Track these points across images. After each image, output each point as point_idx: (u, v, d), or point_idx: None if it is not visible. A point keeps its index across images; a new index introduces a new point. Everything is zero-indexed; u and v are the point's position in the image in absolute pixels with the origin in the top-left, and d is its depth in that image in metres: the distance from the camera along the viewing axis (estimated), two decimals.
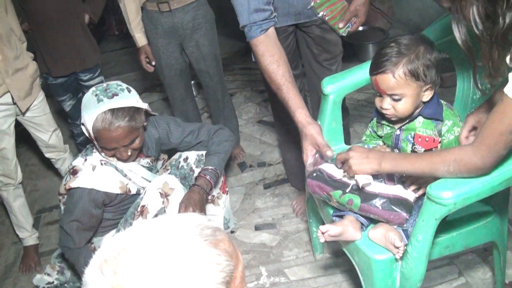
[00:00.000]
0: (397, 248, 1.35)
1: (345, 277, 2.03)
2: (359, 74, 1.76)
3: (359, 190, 1.39)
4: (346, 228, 1.42)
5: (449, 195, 1.21)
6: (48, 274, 2.35)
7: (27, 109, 2.28)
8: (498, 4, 0.96)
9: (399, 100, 1.40)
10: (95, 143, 1.78)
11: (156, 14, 2.38)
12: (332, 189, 1.44)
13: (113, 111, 1.71)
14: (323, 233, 1.41)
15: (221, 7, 4.00)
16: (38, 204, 2.88)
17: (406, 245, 1.37)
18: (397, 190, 1.38)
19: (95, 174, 1.81)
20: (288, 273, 2.10)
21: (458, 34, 1.08)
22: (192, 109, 2.77)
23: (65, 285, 2.29)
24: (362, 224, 1.47)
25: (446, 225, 1.42)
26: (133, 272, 0.65)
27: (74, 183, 1.79)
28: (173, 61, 2.52)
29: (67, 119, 2.92)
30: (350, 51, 3.56)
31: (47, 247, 2.58)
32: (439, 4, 1.10)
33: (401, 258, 1.37)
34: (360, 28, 3.35)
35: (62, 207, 1.99)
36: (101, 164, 1.83)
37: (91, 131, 1.72)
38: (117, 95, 1.75)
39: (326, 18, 1.93)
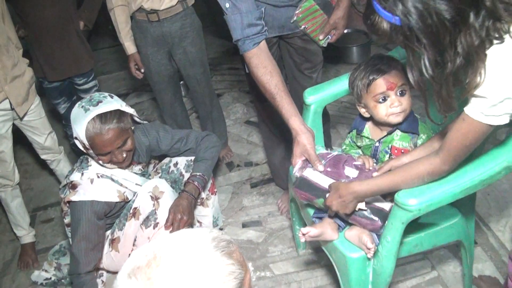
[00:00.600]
0: (369, 248, 1.50)
1: (325, 271, 2.18)
2: (339, 86, 1.88)
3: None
4: (325, 230, 1.57)
5: (414, 202, 1.35)
6: (46, 271, 2.47)
7: (25, 114, 2.38)
8: (446, 53, 1.07)
9: (404, 94, 1.55)
10: (91, 152, 1.86)
11: (145, 24, 2.49)
12: (315, 198, 1.58)
13: (100, 116, 1.80)
14: (304, 234, 1.55)
15: (210, 6, 4.10)
16: (33, 203, 2.98)
17: (377, 245, 1.52)
18: (375, 200, 1.51)
19: (94, 186, 1.90)
20: (273, 267, 2.24)
21: (411, 76, 1.16)
22: (181, 111, 2.89)
23: (62, 280, 2.41)
24: (339, 225, 1.61)
25: (415, 225, 1.57)
26: (165, 278, 0.76)
27: (75, 197, 1.87)
28: (162, 67, 2.63)
29: (61, 120, 3.02)
30: (335, 53, 3.70)
31: (43, 244, 2.69)
32: (398, 44, 1.21)
33: (373, 256, 1.52)
34: (345, 31, 3.49)
35: (66, 219, 2.07)
36: (98, 177, 1.92)
37: (85, 141, 1.80)
38: (101, 101, 1.84)
39: (308, 31, 2.05)
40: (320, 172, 1.60)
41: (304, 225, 2.19)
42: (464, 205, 1.67)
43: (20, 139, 2.66)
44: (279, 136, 2.45)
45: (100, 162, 1.91)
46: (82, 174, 1.93)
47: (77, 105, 1.89)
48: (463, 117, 1.19)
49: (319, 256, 2.25)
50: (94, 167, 1.94)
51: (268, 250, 2.34)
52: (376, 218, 1.47)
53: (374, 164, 1.60)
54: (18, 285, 2.48)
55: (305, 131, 1.66)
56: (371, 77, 1.58)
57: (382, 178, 1.42)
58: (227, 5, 1.70)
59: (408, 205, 1.35)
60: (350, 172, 1.58)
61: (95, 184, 1.91)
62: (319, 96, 1.89)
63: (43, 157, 2.65)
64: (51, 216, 2.89)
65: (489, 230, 2.21)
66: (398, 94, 1.57)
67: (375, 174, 1.51)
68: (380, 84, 1.56)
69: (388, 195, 1.53)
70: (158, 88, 2.71)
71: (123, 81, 4.18)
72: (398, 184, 1.38)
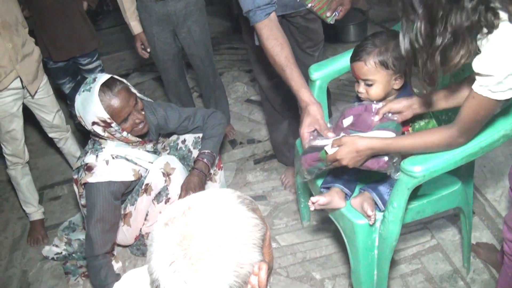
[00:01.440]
0: (369, 216, 1.58)
1: (329, 241, 2.27)
2: (342, 62, 1.93)
3: None
4: (333, 198, 1.65)
5: (419, 169, 1.44)
6: (56, 246, 2.54)
7: (35, 92, 2.42)
8: (437, 27, 1.14)
9: (371, 85, 1.63)
10: (112, 128, 1.88)
11: (150, 3, 2.52)
12: (318, 152, 1.59)
13: (104, 85, 1.85)
14: (313, 203, 1.62)
15: None
16: (40, 181, 3.03)
17: (383, 211, 1.60)
18: (378, 134, 1.54)
19: (110, 167, 1.94)
20: (279, 239, 2.33)
21: (403, 43, 1.23)
22: (185, 90, 2.94)
23: (73, 255, 2.47)
24: (346, 194, 1.69)
25: (418, 193, 1.65)
26: (200, 223, 0.84)
27: (92, 178, 1.92)
28: (167, 46, 2.67)
29: (65, 100, 3.06)
30: (332, 32, 3.73)
31: (51, 221, 2.75)
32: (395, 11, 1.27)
33: (380, 222, 1.60)
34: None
35: (82, 201, 2.12)
36: (113, 158, 1.97)
37: (104, 115, 1.83)
38: (96, 77, 1.89)
39: (314, 8, 2.10)
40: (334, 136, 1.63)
41: (310, 197, 2.28)
42: (464, 173, 1.76)
43: (25, 119, 2.70)
44: (282, 113, 2.52)
45: (124, 134, 1.92)
46: (97, 156, 1.97)
47: (77, 96, 1.91)
48: (473, 95, 1.28)
49: (323, 228, 2.34)
50: (108, 149, 1.98)
51: (274, 223, 2.42)
52: (380, 156, 1.51)
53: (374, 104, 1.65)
54: (29, 260, 2.55)
55: (315, 102, 1.70)
56: (350, 59, 1.68)
57: (402, 139, 1.48)
58: None
59: (414, 171, 1.43)
60: (346, 121, 1.64)
61: (111, 164, 1.96)
62: (323, 72, 1.95)
63: (50, 135, 2.69)
64: (58, 194, 2.95)
65: (485, 201, 2.30)
66: (364, 83, 1.65)
67: (376, 118, 1.59)
68: (351, 68, 1.68)
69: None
70: (163, 66, 2.75)
71: (122, 62, 4.21)
72: (415, 148, 1.45)
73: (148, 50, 2.67)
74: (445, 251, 2.13)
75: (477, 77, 1.24)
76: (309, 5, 2.09)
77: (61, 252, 2.50)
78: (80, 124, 2.94)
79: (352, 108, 1.69)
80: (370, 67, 1.59)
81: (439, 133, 1.43)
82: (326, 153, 1.54)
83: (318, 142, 1.62)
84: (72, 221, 2.65)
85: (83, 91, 1.88)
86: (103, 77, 1.88)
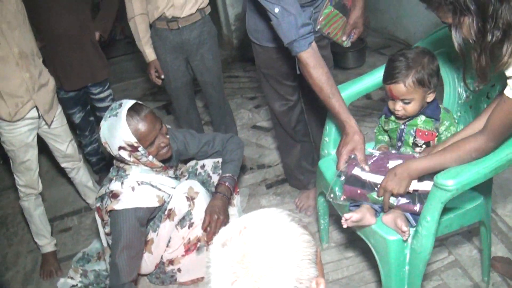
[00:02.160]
0: (403, 232, 1.63)
1: (350, 262, 2.30)
2: (361, 85, 2.03)
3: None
4: (364, 215, 1.69)
5: (452, 182, 1.50)
6: (72, 278, 2.51)
7: (51, 122, 2.44)
8: (487, 22, 1.24)
9: (409, 103, 1.71)
10: (139, 152, 1.91)
11: (165, 32, 2.58)
12: (368, 192, 1.68)
13: (131, 109, 1.89)
14: (346, 219, 1.66)
15: None
16: (49, 213, 2.96)
17: (414, 226, 1.65)
18: (423, 185, 1.62)
19: (136, 194, 1.96)
20: None
21: (456, 41, 1.34)
22: (195, 118, 2.99)
23: (90, 286, 2.45)
24: (375, 210, 1.74)
25: (445, 210, 1.71)
26: (258, 241, 0.86)
27: (118, 205, 1.93)
28: (180, 74, 2.73)
29: (75, 130, 3.07)
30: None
31: (63, 253, 2.73)
32: (441, 20, 1.37)
33: (412, 237, 1.65)
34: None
35: (101, 230, 2.13)
36: (138, 184, 1.99)
37: (132, 139, 1.86)
38: (121, 103, 1.93)
39: (331, 35, 2.19)
40: (367, 171, 1.71)
41: (329, 218, 2.32)
42: (484, 188, 1.82)
43: None
44: (295, 137, 2.58)
45: (150, 158, 1.95)
46: (122, 183, 1.98)
47: (102, 122, 1.94)
48: (504, 98, 1.36)
49: (342, 249, 2.37)
50: (133, 175, 2.00)
51: None
52: (412, 202, 1.61)
53: (416, 152, 1.73)
54: None
55: (361, 132, 1.79)
56: (383, 80, 1.76)
57: (434, 156, 1.55)
58: (277, 10, 1.78)
59: (447, 185, 1.49)
60: (394, 163, 1.69)
61: (137, 191, 1.97)
62: (346, 93, 2.02)
63: (63, 165, 2.69)
64: (69, 225, 2.93)
65: (496, 216, 2.37)
66: (401, 102, 1.74)
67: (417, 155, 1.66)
68: (387, 89, 1.75)
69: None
70: (176, 94, 2.80)
71: (124, 92, 4.25)
72: (448, 161, 1.52)
73: (162, 77, 2.71)
74: (463, 267, 2.18)
75: (509, 81, 1.32)
76: (326, 32, 2.18)
77: (77, 284, 2.48)
78: (90, 154, 2.98)
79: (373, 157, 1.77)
80: (409, 87, 1.68)
81: (469, 143, 1.50)
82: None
83: (363, 175, 1.69)
84: (86, 252, 2.63)
85: (109, 116, 1.90)
86: (129, 102, 1.92)
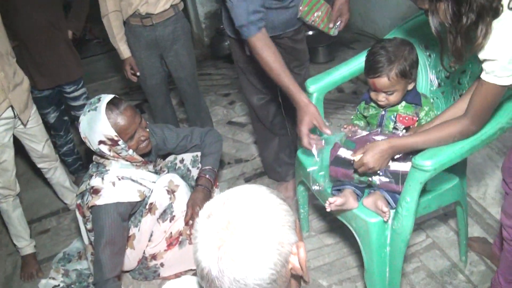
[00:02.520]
0: (384, 212, 1.68)
1: (330, 249, 2.34)
2: (336, 74, 2.07)
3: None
4: (348, 199, 1.73)
5: (430, 163, 1.55)
6: (53, 278, 2.48)
7: (27, 121, 2.40)
8: (462, 6, 1.29)
9: (391, 94, 1.76)
10: (119, 146, 1.90)
11: (139, 28, 2.58)
12: (353, 172, 1.71)
13: (111, 103, 1.88)
14: (330, 203, 1.70)
15: None
16: (26, 215, 2.87)
17: (394, 208, 1.70)
18: (405, 166, 1.66)
19: (117, 189, 1.95)
20: None
21: (433, 26, 1.38)
22: (171, 114, 2.99)
23: (72, 286, 2.42)
24: (357, 195, 1.78)
25: (423, 191, 1.76)
26: (241, 210, 0.90)
27: (99, 201, 1.91)
28: (155, 71, 2.72)
29: (49, 130, 3.03)
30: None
31: (43, 255, 2.69)
32: (418, 5, 1.42)
33: (393, 218, 1.70)
34: (310, 33, 3.71)
35: (82, 228, 2.11)
36: (119, 179, 1.98)
37: (111, 132, 1.85)
38: (100, 98, 1.92)
39: (315, 24, 2.21)
40: (347, 149, 1.74)
41: (308, 208, 2.36)
42: (459, 170, 1.89)
43: None
44: (272, 131, 2.61)
45: (130, 152, 1.94)
46: (103, 178, 1.97)
47: (82, 117, 1.93)
48: (481, 82, 1.42)
49: (322, 237, 2.42)
50: (113, 171, 1.99)
51: None
52: (395, 182, 1.65)
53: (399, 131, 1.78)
54: None
55: (312, 104, 1.87)
56: (366, 73, 1.80)
57: (418, 136, 1.60)
58: None
59: (425, 165, 1.54)
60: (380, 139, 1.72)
61: (117, 186, 1.96)
62: (320, 84, 2.06)
63: (40, 165, 2.66)
64: (47, 227, 2.89)
65: (471, 199, 2.45)
66: (384, 93, 1.79)
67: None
68: (370, 82, 1.79)
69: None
70: (151, 91, 2.79)
71: (95, 93, 4.20)
72: (431, 142, 1.57)
73: (138, 74, 2.70)
74: (441, 248, 2.25)
75: (483, 65, 1.38)
76: (310, 20, 2.20)
77: (59, 285, 2.44)
78: (65, 155, 2.94)
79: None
80: (392, 80, 1.72)
81: (452, 126, 1.55)
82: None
83: (343, 153, 1.72)
84: (67, 252, 2.61)
85: (89, 111, 1.89)
86: (108, 96, 1.92)
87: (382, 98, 1.79)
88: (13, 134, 2.44)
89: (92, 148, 1.95)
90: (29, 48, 2.63)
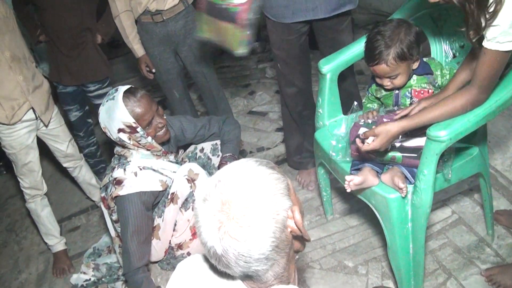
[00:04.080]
0: (401, 188, 1.66)
1: (355, 230, 2.33)
2: (349, 54, 2.04)
3: (398, 147, 1.68)
4: (366, 177, 1.72)
5: (445, 133, 1.52)
6: (84, 273, 2.54)
7: (49, 122, 2.47)
8: None
9: (395, 78, 1.74)
10: (138, 133, 1.93)
11: (150, 25, 2.61)
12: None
13: (128, 92, 1.92)
14: (348, 182, 1.69)
15: None
16: (56, 215, 2.97)
17: (413, 183, 1.68)
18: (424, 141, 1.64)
19: (139, 178, 1.98)
20: None
21: None
22: (190, 108, 3.01)
23: (103, 279, 2.48)
24: (377, 172, 1.77)
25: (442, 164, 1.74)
26: (233, 189, 0.95)
27: (122, 191, 1.95)
28: (170, 66, 2.75)
29: (71, 131, 3.09)
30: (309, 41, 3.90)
31: (74, 251, 2.76)
32: None
33: (412, 193, 1.68)
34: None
35: (108, 220, 2.16)
36: (140, 169, 2.01)
37: (130, 120, 1.89)
38: (117, 89, 1.96)
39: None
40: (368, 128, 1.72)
41: (331, 191, 2.36)
42: (479, 140, 1.85)
43: None
44: (299, 122, 2.59)
45: (149, 139, 1.97)
46: (125, 169, 2.01)
47: (101, 107, 1.97)
48: (484, 51, 1.40)
49: (346, 219, 2.41)
50: (134, 161, 2.02)
51: None
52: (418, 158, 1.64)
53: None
54: None
55: None
56: (365, 61, 1.79)
57: (429, 112, 1.57)
58: None
59: (440, 136, 1.52)
60: None
61: (139, 176, 2.00)
62: (332, 64, 2.04)
63: (65, 165, 2.72)
64: (77, 224, 2.96)
65: (496, 172, 2.40)
66: (389, 78, 1.76)
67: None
68: (372, 69, 1.78)
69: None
70: (168, 86, 2.82)
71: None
72: (443, 116, 1.54)
73: (153, 71, 2.74)
74: (467, 223, 2.21)
75: (485, 33, 1.35)
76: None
77: (90, 279, 2.51)
78: (88, 156, 2.99)
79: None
80: (391, 65, 1.70)
81: (461, 97, 1.52)
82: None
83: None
84: (96, 247, 2.67)
85: (107, 101, 1.94)
86: (125, 86, 1.97)
87: (387, 83, 1.77)
88: (37, 136, 2.50)
89: (112, 138, 1.98)
90: (57, 45, 2.67)
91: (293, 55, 2.30)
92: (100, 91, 2.83)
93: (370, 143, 1.60)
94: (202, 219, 0.96)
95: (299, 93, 2.46)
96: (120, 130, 1.93)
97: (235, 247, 0.92)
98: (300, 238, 1.03)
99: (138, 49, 2.69)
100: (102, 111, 1.96)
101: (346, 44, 2.18)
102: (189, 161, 2.36)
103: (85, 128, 2.98)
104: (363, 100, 2.01)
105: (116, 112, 1.90)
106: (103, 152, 3.18)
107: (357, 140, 1.65)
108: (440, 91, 1.72)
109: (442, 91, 1.70)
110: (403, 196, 1.68)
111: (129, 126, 1.91)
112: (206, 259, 1.12)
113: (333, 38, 2.25)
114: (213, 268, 1.05)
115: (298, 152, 2.71)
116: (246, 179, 0.96)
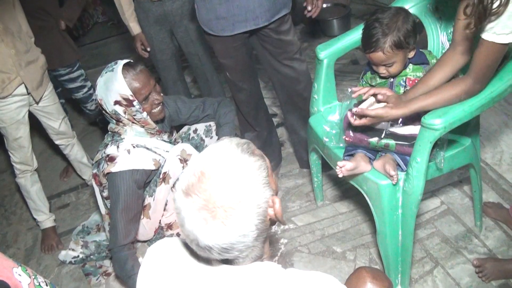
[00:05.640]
0: (391, 176, 1.67)
1: (345, 217, 2.35)
2: (347, 40, 2.05)
3: (391, 134, 1.69)
4: (359, 163, 1.73)
5: (439, 121, 1.53)
6: (73, 250, 2.54)
7: (40, 99, 2.45)
8: None
9: (391, 66, 1.74)
10: (133, 107, 1.91)
11: (147, 4, 2.58)
12: (369, 137, 1.71)
13: (127, 65, 1.91)
14: (340, 167, 1.70)
15: None
16: (46, 192, 2.95)
17: (405, 171, 1.70)
18: (418, 129, 1.65)
19: (132, 156, 1.97)
20: (296, 220, 2.40)
21: None
22: (183, 89, 3.00)
23: (91, 256, 2.49)
24: (369, 158, 1.78)
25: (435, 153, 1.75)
26: (218, 186, 0.93)
27: (115, 168, 1.94)
28: (165, 46, 2.74)
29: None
30: (317, 27, 3.90)
31: (63, 228, 2.76)
32: None
33: (404, 180, 1.69)
34: (324, 5, 3.68)
35: (99, 197, 2.15)
36: (133, 147, 2.00)
37: (127, 92, 1.87)
38: (116, 62, 1.94)
39: None
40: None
41: (322, 177, 2.37)
42: (471, 131, 1.86)
43: None
44: (255, 127, 2.57)
45: (144, 115, 1.95)
46: (118, 146, 1.99)
47: (99, 79, 1.95)
48: (481, 42, 1.40)
49: (336, 206, 2.42)
50: (128, 139, 2.01)
51: (288, 206, 2.49)
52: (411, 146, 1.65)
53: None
54: (46, 267, 2.54)
55: None
56: (362, 47, 1.78)
57: (424, 100, 1.57)
58: None
59: (435, 124, 1.53)
60: None
61: (132, 153, 1.99)
62: (330, 50, 2.05)
63: (57, 142, 2.71)
64: (67, 201, 2.95)
65: (486, 165, 2.42)
66: (385, 66, 1.77)
67: None
68: (368, 57, 1.77)
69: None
70: (162, 66, 2.81)
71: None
72: (437, 104, 1.55)
73: (148, 49, 2.72)
74: (456, 214, 2.24)
75: (484, 24, 1.35)
76: None
77: (78, 256, 2.51)
78: None
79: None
80: (388, 53, 1.70)
81: (457, 86, 1.53)
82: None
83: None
84: (86, 224, 2.67)
85: (106, 72, 1.92)
86: (124, 60, 1.95)
87: (382, 70, 1.78)
88: (30, 111, 2.48)
89: (107, 110, 1.96)
90: None
91: (241, 61, 2.26)
92: (71, 75, 2.84)
93: (361, 120, 1.63)
94: (185, 213, 0.95)
95: (250, 97, 2.43)
96: (116, 103, 1.91)
97: (219, 242, 0.93)
98: (274, 221, 1.04)
99: (134, 27, 2.67)
100: (100, 82, 1.94)
101: (290, 43, 2.19)
102: (182, 142, 2.36)
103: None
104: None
105: (114, 84, 1.88)
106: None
107: (349, 113, 1.66)
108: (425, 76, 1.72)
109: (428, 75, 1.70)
110: (394, 183, 1.69)
111: (126, 99, 1.90)
112: (185, 244, 1.10)
113: (279, 39, 2.18)
114: (191, 251, 1.05)
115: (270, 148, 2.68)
116: (231, 174, 0.94)
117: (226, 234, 0.93)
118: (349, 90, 1.90)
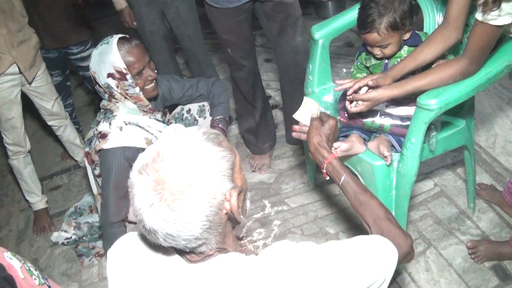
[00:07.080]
0: (385, 156, 1.67)
1: (338, 199, 2.35)
2: (342, 20, 2.02)
3: (386, 114, 1.68)
4: (353, 144, 1.72)
5: (435, 102, 1.52)
6: (65, 231, 2.54)
7: (33, 79, 2.41)
8: None
9: (386, 47, 1.72)
10: (126, 81, 1.89)
11: None
12: (364, 118, 1.70)
13: (122, 38, 1.88)
14: (335, 148, 1.69)
15: None
16: (38, 173, 2.93)
17: (399, 152, 1.69)
18: (413, 110, 1.64)
19: (124, 133, 1.95)
20: (289, 202, 2.40)
21: None
22: (175, 71, 2.97)
23: (84, 238, 2.48)
24: (364, 139, 1.77)
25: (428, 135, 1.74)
26: (170, 168, 0.91)
27: (106, 145, 1.91)
28: (156, 27, 2.70)
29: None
30: (311, 9, 3.86)
31: (55, 209, 2.75)
32: None
33: (398, 161, 1.69)
34: None
35: (91, 176, 2.13)
36: (125, 124, 1.97)
37: (121, 65, 1.85)
38: (111, 36, 1.91)
39: None
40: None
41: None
42: (466, 113, 1.86)
43: None
44: (254, 103, 2.56)
45: (136, 90, 1.93)
46: (110, 123, 1.97)
47: (94, 51, 1.92)
48: (476, 23, 1.39)
49: (329, 188, 2.42)
50: (120, 116, 1.99)
51: (281, 188, 2.49)
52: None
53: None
54: (38, 248, 2.54)
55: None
56: (357, 28, 1.75)
57: (419, 79, 1.56)
58: None
59: (430, 105, 1.52)
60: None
61: (124, 131, 1.97)
62: (325, 30, 2.02)
63: (50, 123, 2.68)
64: (59, 183, 2.94)
65: (480, 148, 2.43)
66: (380, 47, 1.74)
67: None
68: (363, 37, 1.75)
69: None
70: (153, 47, 2.77)
71: None
72: (432, 83, 1.54)
73: (135, 23, 2.69)
74: (449, 196, 2.24)
75: (478, 5, 1.34)
76: None
77: (71, 237, 2.51)
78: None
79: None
80: (383, 35, 1.67)
81: (452, 66, 1.52)
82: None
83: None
84: (78, 206, 2.66)
85: (101, 45, 1.90)
86: (120, 34, 1.92)
87: (377, 51, 1.75)
88: (22, 91, 2.45)
89: (100, 83, 1.94)
90: (37, 9, 2.61)
91: (243, 36, 2.25)
92: (83, 54, 2.80)
93: (358, 106, 1.60)
94: (136, 190, 0.93)
95: (249, 74, 2.42)
96: (109, 75, 1.88)
97: (164, 227, 0.90)
98: (234, 220, 1.01)
99: (120, 1, 2.64)
100: (94, 54, 1.91)
101: (292, 5, 2.17)
102: (176, 122, 2.34)
103: (64, 91, 2.95)
104: (351, 69, 1.99)
105: (109, 56, 1.86)
106: (78, 114, 3.17)
107: (347, 102, 1.64)
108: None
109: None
110: (388, 164, 1.69)
111: (119, 72, 1.87)
112: (142, 237, 1.07)
113: (280, 2, 2.16)
114: (148, 243, 1.03)
115: (255, 136, 2.67)
116: (187, 157, 0.92)
117: (171, 219, 0.89)
118: (344, 71, 1.89)
